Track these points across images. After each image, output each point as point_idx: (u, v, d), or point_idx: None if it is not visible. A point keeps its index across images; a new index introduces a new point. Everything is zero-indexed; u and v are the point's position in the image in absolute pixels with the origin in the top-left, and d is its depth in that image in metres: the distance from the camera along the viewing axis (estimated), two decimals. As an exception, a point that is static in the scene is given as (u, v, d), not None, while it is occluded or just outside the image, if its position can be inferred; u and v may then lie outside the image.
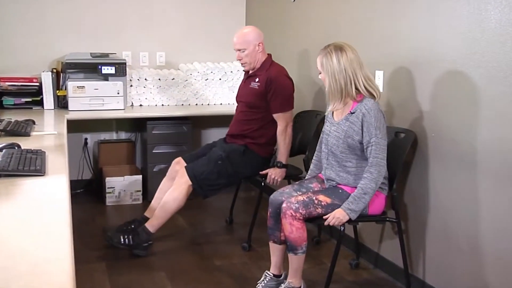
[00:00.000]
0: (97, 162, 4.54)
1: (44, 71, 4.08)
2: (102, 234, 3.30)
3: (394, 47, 2.91)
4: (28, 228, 1.45)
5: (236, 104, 3.51)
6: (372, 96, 2.52)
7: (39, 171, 1.98)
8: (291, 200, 2.51)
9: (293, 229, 2.49)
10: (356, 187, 2.51)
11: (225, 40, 4.60)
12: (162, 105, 4.45)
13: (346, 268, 3.12)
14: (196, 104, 4.55)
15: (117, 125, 4.64)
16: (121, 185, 4.19)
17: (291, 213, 2.48)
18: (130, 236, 3.19)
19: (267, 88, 3.19)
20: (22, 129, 2.81)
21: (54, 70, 4.12)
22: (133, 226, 3.29)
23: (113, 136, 4.66)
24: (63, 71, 4.09)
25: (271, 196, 2.68)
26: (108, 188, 4.17)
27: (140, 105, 4.41)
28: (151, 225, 3.20)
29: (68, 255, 1.25)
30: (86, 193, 4.46)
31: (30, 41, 4.25)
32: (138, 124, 4.55)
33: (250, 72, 3.33)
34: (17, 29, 4.21)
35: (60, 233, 1.40)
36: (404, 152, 2.71)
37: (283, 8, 4.16)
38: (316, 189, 2.68)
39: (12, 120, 2.98)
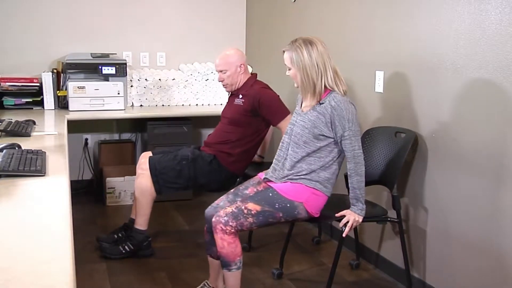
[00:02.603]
0: (98, 162, 4.54)
1: (44, 71, 4.08)
2: (97, 244, 3.27)
3: (394, 47, 2.91)
4: (28, 228, 1.45)
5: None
6: (339, 90, 2.45)
7: (40, 172, 1.97)
8: (219, 214, 2.39)
9: (225, 244, 2.38)
10: (298, 183, 2.46)
11: (225, 41, 4.60)
12: (163, 105, 4.45)
13: (346, 269, 3.11)
14: (197, 105, 4.56)
15: (118, 126, 4.65)
16: (122, 186, 4.19)
17: (221, 227, 2.36)
18: (128, 243, 3.20)
19: (254, 105, 3.14)
20: (23, 130, 2.81)
21: (55, 71, 4.12)
22: (123, 233, 3.28)
23: (114, 136, 4.66)
24: (64, 72, 4.09)
25: (206, 211, 2.58)
26: (108, 188, 4.18)
27: (141, 105, 4.41)
28: (140, 224, 3.20)
29: (68, 255, 1.24)
30: (87, 194, 4.45)
31: (31, 42, 4.25)
32: (139, 125, 4.55)
33: (233, 91, 3.31)
34: (17, 29, 4.21)
35: (60, 233, 1.40)
36: (405, 152, 2.71)
37: (283, 8, 4.16)
38: (251, 194, 2.56)
39: (13, 121, 2.98)
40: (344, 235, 2.47)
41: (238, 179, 3.33)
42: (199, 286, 2.66)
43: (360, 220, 2.48)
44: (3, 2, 4.16)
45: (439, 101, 2.60)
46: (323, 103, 2.44)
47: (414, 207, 2.81)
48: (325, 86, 2.44)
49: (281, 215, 2.43)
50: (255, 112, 3.16)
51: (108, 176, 4.19)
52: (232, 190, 2.66)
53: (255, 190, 2.61)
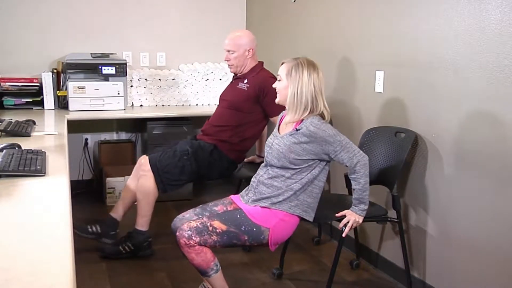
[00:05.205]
0: (98, 162, 4.54)
1: (44, 71, 4.08)
2: (98, 245, 3.27)
3: (394, 47, 2.91)
4: (28, 229, 1.45)
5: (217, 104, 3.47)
6: (322, 116, 2.45)
7: (40, 172, 1.97)
8: (183, 227, 2.35)
9: (193, 256, 2.35)
10: (269, 208, 2.42)
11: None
12: (163, 105, 4.45)
13: (346, 269, 3.12)
14: (197, 105, 4.56)
15: (118, 126, 4.65)
16: (122, 186, 4.17)
17: (185, 242, 2.33)
18: (128, 243, 3.20)
19: (259, 92, 3.15)
20: (23, 130, 2.81)
21: (55, 71, 4.12)
22: (117, 232, 3.26)
23: (114, 136, 4.66)
24: (64, 72, 4.09)
25: (172, 223, 2.55)
26: (108, 188, 4.17)
27: (141, 105, 4.41)
28: (141, 225, 3.20)
29: (68, 255, 1.24)
30: (87, 194, 4.45)
31: (31, 42, 4.25)
32: (139, 125, 4.55)
33: (238, 74, 3.32)
34: (17, 29, 4.21)
35: (60, 233, 1.40)
36: (405, 152, 2.71)
37: (283, 8, 4.16)
38: (219, 212, 2.53)
39: (13, 121, 2.98)
40: (344, 235, 2.47)
41: (238, 165, 3.33)
42: None
43: (361, 220, 2.47)
44: (3, 2, 4.16)
45: (439, 101, 2.60)
46: (299, 129, 2.41)
47: (414, 207, 2.81)
48: (312, 110, 2.42)
49: (246, 238, 2.39)
50: (258, 99, 3.16)
51: (108, 176, 4.19)
52: (200, 205, 2.62)
53: (224, 208, 2.57)
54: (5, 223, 1.49)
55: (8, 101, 4.00)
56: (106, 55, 4.17)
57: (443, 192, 2.61)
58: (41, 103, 4.05)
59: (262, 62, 3.35)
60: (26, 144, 2.47)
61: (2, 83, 3.99)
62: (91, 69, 4.06)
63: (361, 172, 2.41)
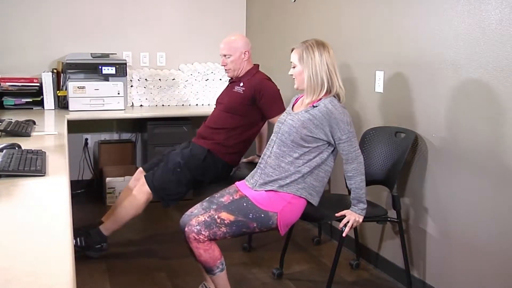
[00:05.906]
0: (98, 162, 4.54)
1: (44, 71, 4.08)
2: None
3: (394, 47, 2.91)
4: (28, 228, 1.45)
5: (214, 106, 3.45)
6: (338, 97, 2.48)
7: (40, 172, 1.97)
8: (191, 223, 2.36)
9: (201, 252, 2.36)
10: (276, 191, 2.43)
11: (225, 41, 4.61)
12: (163, 105, 4.45)
13: (346, 269, 3.12)
14: (197, 105, 4.56)
15: (118, 126, 4.65)
16: (122, 186, 4.17)
17: (194, 237, 2.33)
18: (83, 238, 3.15)
19: (255, 94, 3.14)
20: (23, 130, 2.81)
21: (55, 71, 4.13)
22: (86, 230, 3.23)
23: (114, 136, 4.67)
24: (64, 72, 4.09)
25: (181, 220, 2.56)
26: (108, 188, 4.18)
27: (141, 105, 4.42)
28: (105, 229, 3.16)
29: (68, 255, 1.24)
30: (87, 194, 4.46)
31: (31, 42, 4.25)
32: (139, 125, 4.55)
33: (234, 78, 3.30)
34: (17, 29, 4.21)
35: (60, 233, 1.40)
36: (405, 152, 2.71)
37: (283, 8, 4.16)
38: (226, 203, 2.51)
39: (13, 121, 2.98)
40: (344, 235, 2.47)
41: (233, 169, 3.32)
42: None
43: (361, 220, 2.48)
44: (3, 2, 4.16)
45: (439, 101, 2.60)
46: (316, 106, 2.43)
47: (414, 207, 2.81)
48: (329, 90, 2.44)
49: (255, 225, 2.40)
50: (254, 101, 3.15)
51: (108, 176, 4.19)
52: (207, 199, 2.62)
53: (231, 198, 2.57)
54: (5, 223, 1.49)
55: (8, 101, 4.00)
56: (106, 55, 4.17)
57: (443, 192, 2.61)
58: (41, 103, 4.05)
59: (258, 65, 3.35)
60: (26, 144, 2.46)
61: (2, 83, 3.99)
62: (91, 69, 4.06)
63: (356, 170, 2.43)
